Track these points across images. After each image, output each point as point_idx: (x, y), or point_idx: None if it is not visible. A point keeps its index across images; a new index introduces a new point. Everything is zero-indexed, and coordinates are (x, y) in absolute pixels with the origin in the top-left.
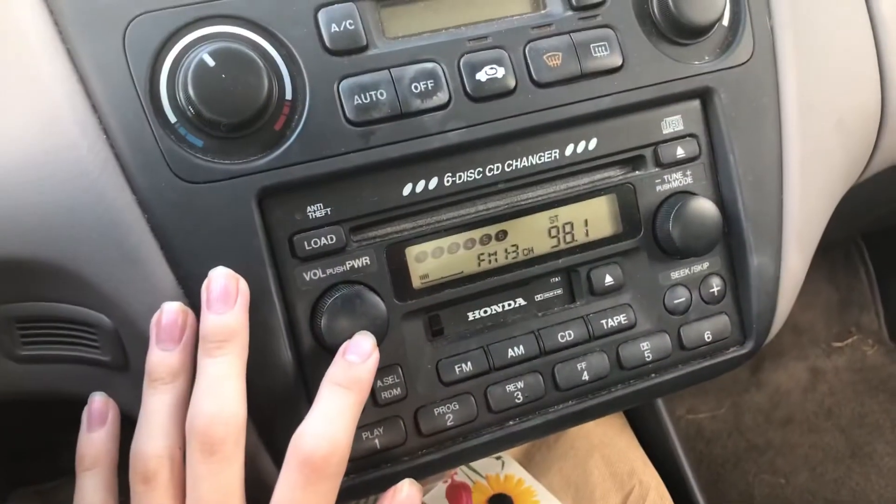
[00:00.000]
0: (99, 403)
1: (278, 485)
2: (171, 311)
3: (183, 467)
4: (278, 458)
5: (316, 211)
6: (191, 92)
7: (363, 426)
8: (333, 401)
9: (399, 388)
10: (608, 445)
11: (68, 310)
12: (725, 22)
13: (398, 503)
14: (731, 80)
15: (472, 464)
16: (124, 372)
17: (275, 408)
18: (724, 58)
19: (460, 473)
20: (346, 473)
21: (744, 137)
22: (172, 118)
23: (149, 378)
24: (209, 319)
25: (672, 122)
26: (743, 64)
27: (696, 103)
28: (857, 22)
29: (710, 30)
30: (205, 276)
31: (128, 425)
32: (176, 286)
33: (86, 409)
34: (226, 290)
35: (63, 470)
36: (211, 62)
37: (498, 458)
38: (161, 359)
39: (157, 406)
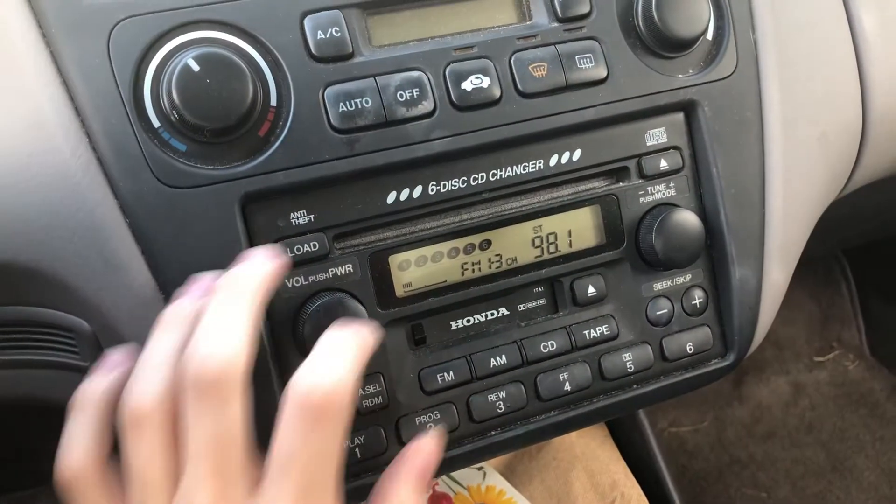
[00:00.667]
0: (116, 354)
1: (277, 434)
2: (208, 276)
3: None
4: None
5: (299, 218)
6: (175, 96)
7: None
8: (332, 343)
9: (381, 397)
10: (590, 457)
11: (47, 314)
12: (709, 36)
13: (423, 463)
14: (714, 94)
15: (454, 474)
16: None
17: (254, 416)
18: (708, 71)
19: (442, 484)
20: None
21: (727, 150)
22: (156, 123)
23: (157, 325)
24: (233, 270)
25: (656, 135)
26: (726, 77)
27: (679, 116)
28: (839, 38)
29: (694, 43)
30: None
31: None
32: (157, 292)
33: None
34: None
35: (40, 478)
36: (196, 67)
37: (479, 468)
38: (175, 306)
39: (156, 348)
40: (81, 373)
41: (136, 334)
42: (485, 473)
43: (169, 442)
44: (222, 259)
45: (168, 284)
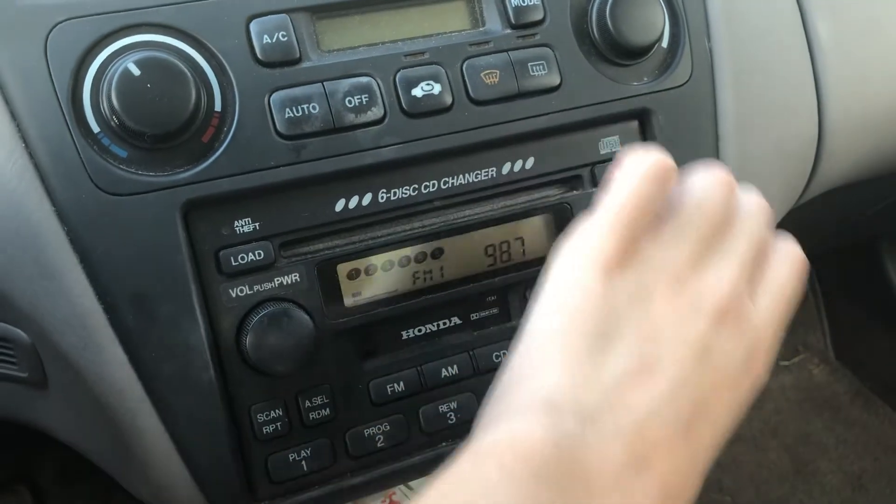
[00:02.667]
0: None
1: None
2: None
3: None
4: (201, 481)
5: (244, 226)
6: (115, 102)
7: (290, 447)
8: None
9: (328, 409)
10: None
11: None
12: (664, 43)
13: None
14: (669, 102)
15: (411, 483)
16: (43, 389)
17: (195, 429)
18: (663, 79)
19: (398, 493)
20: (271, 497)
21: (681, 159)
22: (96, 128)
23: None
24: None
25: (609, 143)
26: (681, 86)
27: (633, 124)
28: (795, 47)
29: (648, 51)
30: (125, 291)
31: (48, 444)
32: (95, 302)
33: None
34: None
35: None
36: (136, 71)
37: None
38: None
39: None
40: (20, 384)
41: (75, 344)
42: None
43: None
44: (162, 268)
45: (106, 293)
